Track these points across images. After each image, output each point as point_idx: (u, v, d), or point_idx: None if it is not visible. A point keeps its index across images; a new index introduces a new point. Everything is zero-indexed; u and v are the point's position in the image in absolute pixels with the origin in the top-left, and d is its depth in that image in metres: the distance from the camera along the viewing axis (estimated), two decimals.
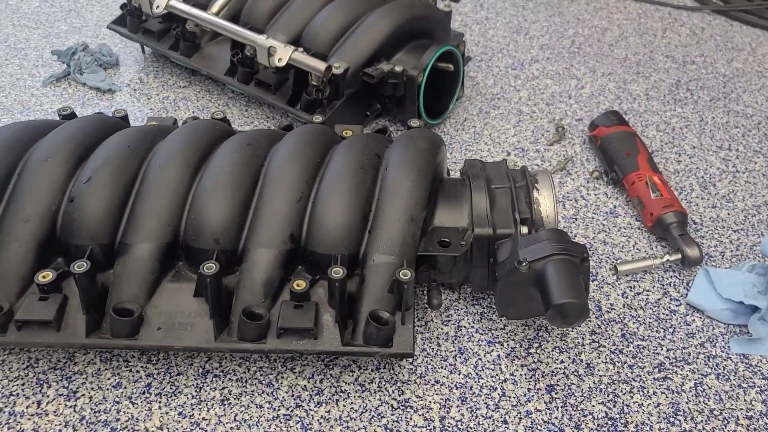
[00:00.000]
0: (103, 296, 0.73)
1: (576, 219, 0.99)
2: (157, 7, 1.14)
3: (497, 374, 0.79)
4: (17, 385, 0.76)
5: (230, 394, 0.76)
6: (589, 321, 0.84)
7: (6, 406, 0.73)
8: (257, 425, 0.73)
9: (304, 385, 0.77)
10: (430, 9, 1.16)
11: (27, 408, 0.73)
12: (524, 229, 0.79)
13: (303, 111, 1.06)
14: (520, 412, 0.75)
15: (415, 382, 0.77)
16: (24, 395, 0.75)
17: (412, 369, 0.79)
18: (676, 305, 0.87)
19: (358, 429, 0.73)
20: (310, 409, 0.74)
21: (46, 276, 0.71)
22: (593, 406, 0.76)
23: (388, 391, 0.77)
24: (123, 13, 1.23)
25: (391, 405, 0.75)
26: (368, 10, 1.10)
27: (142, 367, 0.78)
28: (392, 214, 0.75)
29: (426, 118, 1.10)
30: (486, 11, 1.50)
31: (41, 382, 0.76)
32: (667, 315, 0.86)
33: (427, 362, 0.80)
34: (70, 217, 0.73)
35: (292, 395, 0.76)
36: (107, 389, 0.75)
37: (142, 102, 1.19)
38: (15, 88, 1.21)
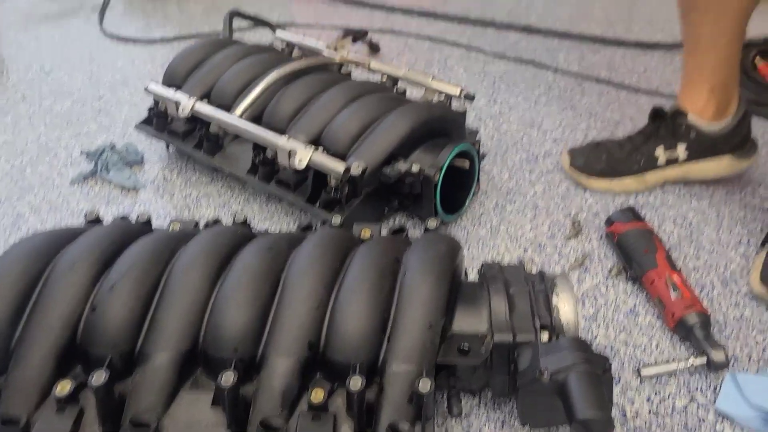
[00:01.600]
0: (119, 407, 0.72)
1: (596, 318, 0.98)
2: (183, 110, 1.19)
3: None
4: None
5: None
6: (615, 430, 0.82)
7: None
8: None
9: None
10: (446, 109, 1.20)
11: None
12: (545, 336, 0.78)
13: (322, 209, 1.08)
14: None
15: None
16: None
17: None
18: (705, 412, 0.84)
19: None
20: None
21: (64, 388, 0.70)
22: None
23: None
24: (150, 114, 1.28)
25: None
26: (386, 111, 1.14)
27: None
28: (411, 321, 0.75)
29: (443, 214, 1.12)
30: (499, 105, 1.55)
31: None
32: (695, 423, 0.83)
33: None
34: (92, 325, 0.74)
35: None
36: None
37: (165, 199, 1.22)
38: (44, 187, 1.25)
